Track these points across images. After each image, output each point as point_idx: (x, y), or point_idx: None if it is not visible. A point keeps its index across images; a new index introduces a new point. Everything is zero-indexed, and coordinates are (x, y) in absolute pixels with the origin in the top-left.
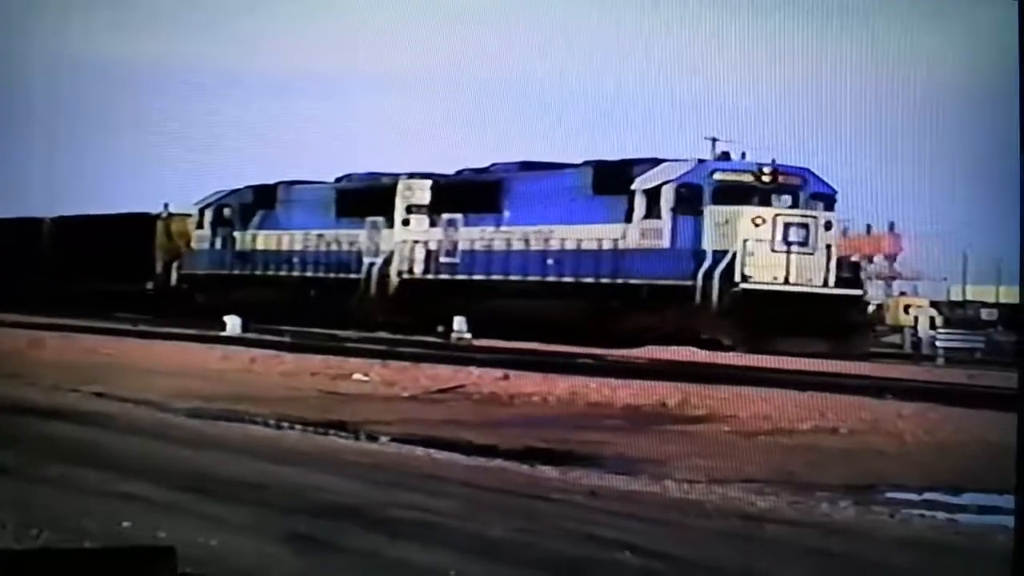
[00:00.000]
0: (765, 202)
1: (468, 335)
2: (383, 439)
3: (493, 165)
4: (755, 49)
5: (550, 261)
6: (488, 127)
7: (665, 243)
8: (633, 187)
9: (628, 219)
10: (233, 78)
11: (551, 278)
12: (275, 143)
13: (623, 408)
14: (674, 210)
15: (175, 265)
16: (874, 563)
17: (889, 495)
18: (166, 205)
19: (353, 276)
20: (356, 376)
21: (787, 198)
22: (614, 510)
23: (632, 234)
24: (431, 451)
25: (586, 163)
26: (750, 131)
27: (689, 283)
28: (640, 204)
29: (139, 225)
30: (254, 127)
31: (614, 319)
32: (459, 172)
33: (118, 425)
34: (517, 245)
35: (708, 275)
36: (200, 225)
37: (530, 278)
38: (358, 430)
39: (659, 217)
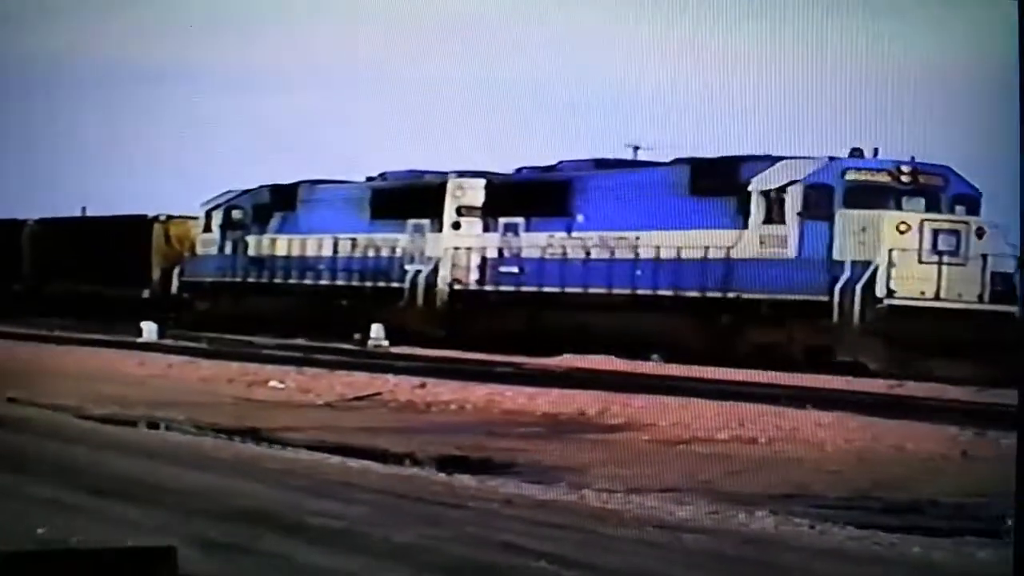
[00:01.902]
0: (900, 205)
1: (385, 342)
2: (298, 446)
3: (560, 163)
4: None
5: (639, 271)
6: (504, 126)
7: (791, 252)
8: (750, 188)
9: (742, 224)
10: (233, 76)
11: (643, 290)
12: (274, 142)
13: (541, 416)
14: (801, 214)
15: (176, 272)
16: (792, 573)
17: (808, 505)
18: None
19: (395, 285)
20: (272, 383)
21: (922, 200)
22: (530, 518)
23: (749, 241)
24: (346, 458)
25: (678, 160)
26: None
27: (823, 298)
28: (758, 207)
29: (134, 228)
30: (253, 126)
31: (725, 336)
32: (518, 170)
33: (35, 430)
34: (596, 253)
35: (847, 289)
36: (207, 228)
37: (616, 291)
38: (273, 437)
39: (783, 222)
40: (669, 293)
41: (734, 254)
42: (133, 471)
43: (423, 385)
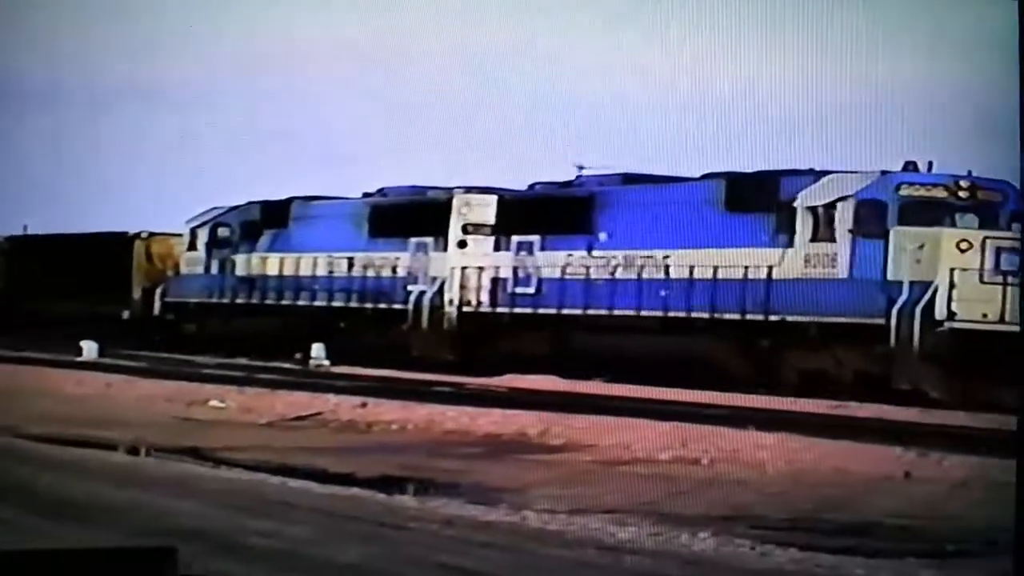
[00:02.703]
0: (955, 221)
1: (326, 362)
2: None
3: (579, 178)
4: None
5: (669, 292)
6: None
7: (841, 271)
8: (795, 204)
9: (785, 242)
10: (211, 91)
11: (674, 312)
12: (254, 158)
13: (483, 436)
14: (853, 231)
15: (158, 292)
16: None
17: (750, 526)
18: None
19: (397, 306)
20: (212, 402)
21: (976, 217)
22: (471, 539)
23: (794, 260)
24: (286, 478)
25: (711, 175)
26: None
27: (877, 321)
28: (804, 224)
29: (112, 246)
30: (233, 142)
31: (766, 361)
32: (531, 186)
33: None
34: (622, 273)
35: (904, 312)
36: (192, 246)
37: (645, 313)
38: (213, 456)
39: (832, 240)
40: (704, 315)
41: (777, 274)
42: (71, 490)
43: (364, 405)
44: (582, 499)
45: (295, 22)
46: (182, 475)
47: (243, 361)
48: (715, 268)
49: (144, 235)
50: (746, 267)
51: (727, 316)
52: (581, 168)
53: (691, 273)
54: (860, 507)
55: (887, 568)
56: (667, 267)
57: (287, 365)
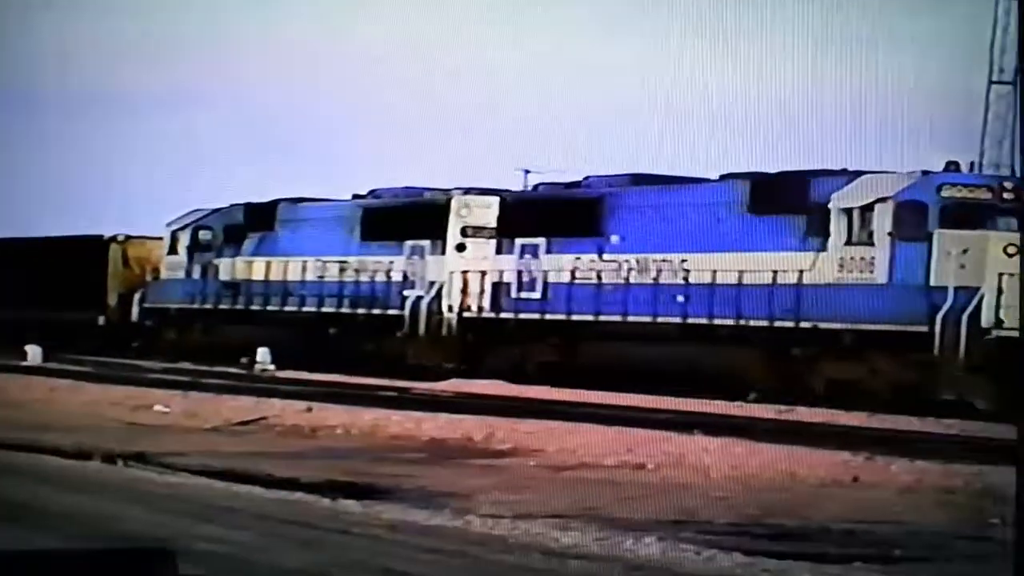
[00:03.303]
0: (996, 224)
1: (272, 366)
2: (184, 471)
3: (587, 179)
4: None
5: (688, 297)
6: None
7: (880, 277)
8: (829, 205)
9: (817, 246)
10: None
11: (695, 319)
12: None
13: (428, 441)
14: (892, 234)
15: (136, 297)
16: None
17: (696, 531)
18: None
19: (392, 312)
20: (157, 407)
21: (1010, 220)
22: (415, 544)
23: (827, 265)
24: (231, 483)
25: (732, 176)
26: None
27: (920, 329)
28: (839, 227)
29: (87, 249)
30: (217, 143)
31: (796, 370)
32: (535, 187)
33: None
34: (636, 278)
35: (949, 319)
36: (173, 250)
37: (661, 319)
38: (158, 461)
39: (870, 243)
40: (728, 322)
41: (808, 278)
42: (15, 495)
43: (309, 409)
44: (527, 504)
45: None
46: (127, 480)
47: (188, 366)
48: (740, 273)
49: (120, 238)
50: (774, 272)
51: (753, 323)
52: (527, 172)
53: (713, 278)
54: (807, 512)
55: (834, 573)
56: (686, 271)
57: (232, 370)
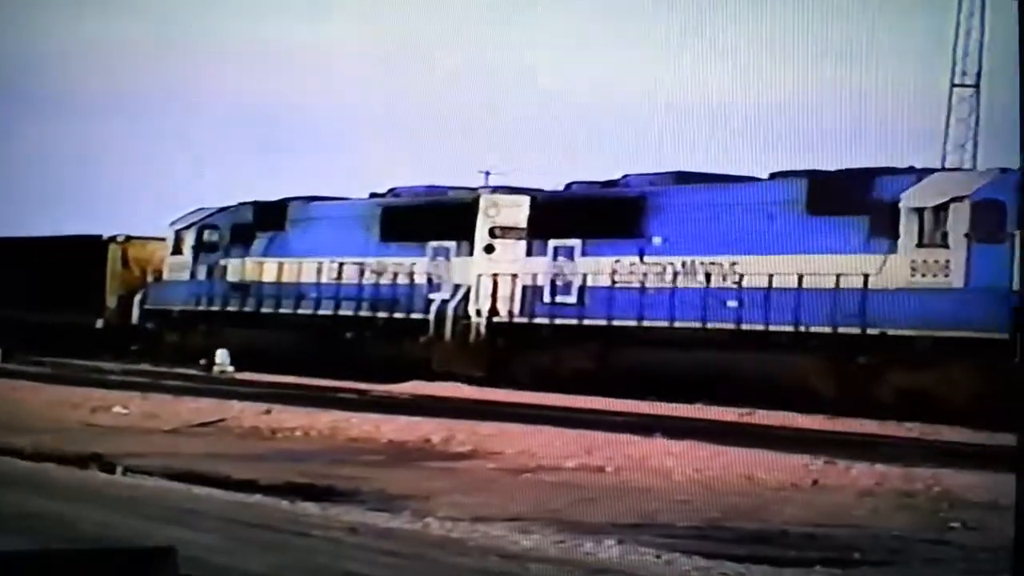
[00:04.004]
0: None
1: (231, 368)
2: (143, 472)
3: (625, 177)
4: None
5: (733, 302)
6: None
7: (956, 281)
8: (900, 205)
9: (884, 248)
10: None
11: (749, 325)
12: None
13: (387, 444)
14: (969, 236)
15: (137, 299)
16: None
17: (656, 534)
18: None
19: (415, 316)
20: (116, 409)
21: None
22: (374, 547)
23: (897, 267)
24: (191, 485)
25: (786, 174)
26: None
27: (1001, 336)
28: (909, 227)
29: (85, 250)
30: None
31: (862, 380)
32: (567, 186)
33: None
34: (684, 282)
35: None
36: (177, 250)
37: (711, 325)
38: (118, 463)
39: (944, 245)
40: (786, 328)
41: (875, 283)
42: None
43: (268, 411)
44: (486, 506)
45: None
46: (86, 481)
47: (147, 367)
48: (798, 276)
49: (120, 238)
50: (837, 275)
51: (814, 329)
52: (487, 174)
53: (769, 282)
54: (767, 515)
55: None
56: (737, 274)
57: (192, 371)
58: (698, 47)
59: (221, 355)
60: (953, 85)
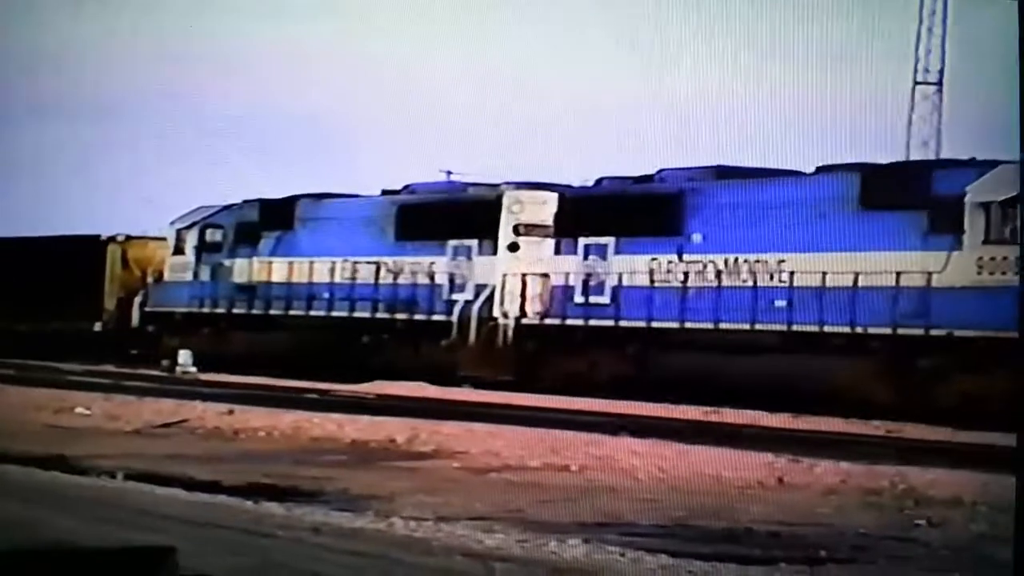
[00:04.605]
0: None
1: (193, 368)
2: (105, 474)
3: (660, 172)
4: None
5: (781, 302)
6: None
7: None
8: (965, 199)
9: (947, 244)
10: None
11: (801, 326)
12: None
13: (350, 444)
14: None
15: (137, 301)
16: None
17: (621, 533)
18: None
19: (436, 318)
20: (78, 410)
21: None
22: (338, 547)
23: (962, 265)
24: (154, 486)
25: (836, 167)
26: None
27: None
28: (975, 223)
29: (83, 250)
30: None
31: (924, 384)
32: (597, 181)
33: None
34: (728, 281)
35: None
36: (179, 250)
37: (760, 326)
38: (80, 464)
39: (1013, 241)
40: (842, 329)
41: (938, 281)
42: None
43: (231, 412)
44: (450, 506)
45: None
46: (48, 483)
47: (110, 368)
48: (853, 275)
49: (120, 238)
50: (897, 273)
51: (873, 330)
52: (449, 173)
53: (822, 280)
54: (733, 514)
55: (758, 574)
56: (787, 273)
57: (154, 372)
58: (657, 45)
59: (184, 355)
60: (916, 83)
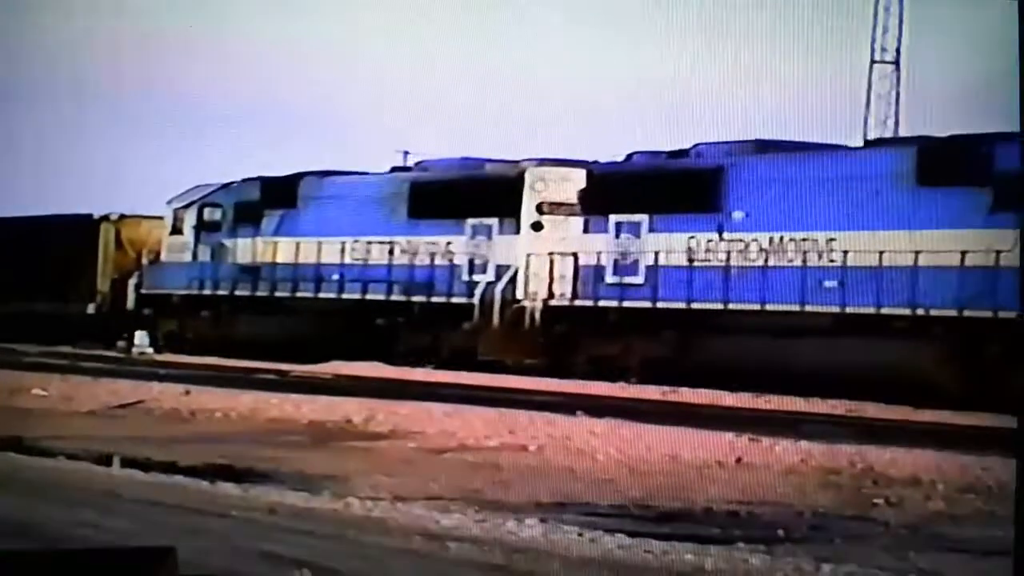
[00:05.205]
0: None
1: (150, 349)
2: (62, 455)
3: (697, 146)
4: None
5: (832, 283)
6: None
7: None
8: None
9: (1015, 222)
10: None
11: (856, 308)
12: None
13: (307, 424)
14: None
15: (132, 282)
16: None
17: (579, 513)
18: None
19: (456, 300)
20: (35, 391)
21: None
22: (294, 527)
23: None
24: (110, 468)
25: (889, 141)
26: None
27: None
28: None
29: (75, 230)
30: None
31: (993, 371)
32: (628, 157)
33: None
34: (774, 260)
35: None
36: (177, 230)
37: (811, 308)
38: (36, 446)
39: None
40: (902, 311)
41: (1007, 260)
42: None
43: (187, 393)
44: (407, 486)
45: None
46: (5, 466)
47: (67, 349)
48: (915, 253)
49: (114, 217)
50: (962, 252)
51: (939, 312)
52: (406, 153)
53: (879, 260)
54: (691, 493)
55: (716, 554)
56: (836, 252)
57: (110, 353)
58: (614, 26)
59: (140, 336)
60: (873, 61)
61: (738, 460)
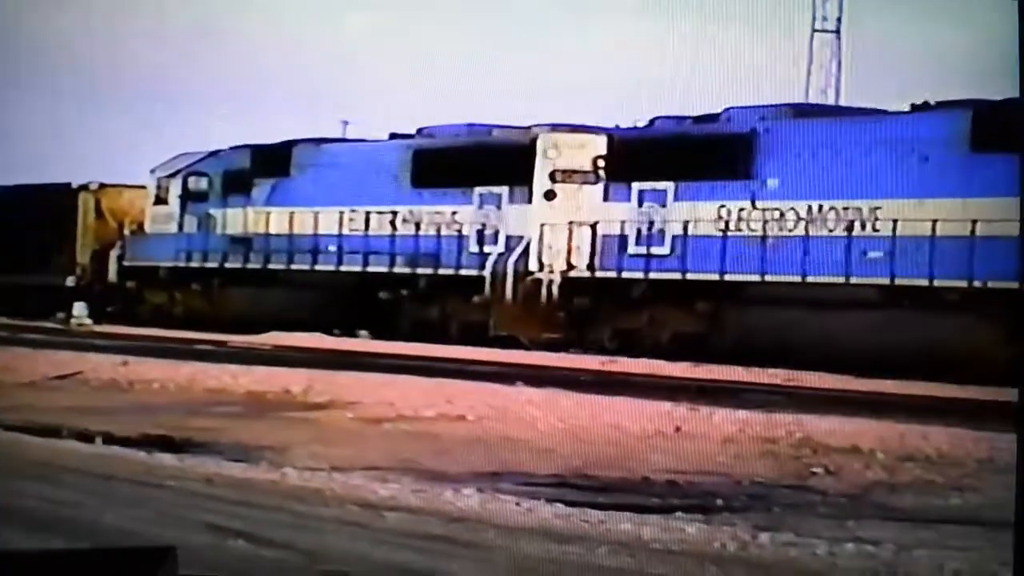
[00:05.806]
0: None
1: (88, 320)
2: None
3: (727, 110)
4: None
5: (877, 253)
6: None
7: None
8: None
9: None
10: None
11: (905, 280)
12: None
13: (245, 395)
14: None
15: (114, 254)
16: (494, 551)
17: (517, 483)
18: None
19: (465, 273)
20: None
21: None
22: (231, 497)
23: None
24: (49, 439)
25: (939, 104)
26: None
27: None
28: None
29: (53, 200)
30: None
31: None
32: (651, 122)
33: None
34: (813, 230)
35: None
36: (161, 200)
37: (856, 280)
38: None
39: None
40: (957, 284)
41: None
42: None
43: (125, 363)
44: (344, 456)
45: None
46: None
47: (4, 320)
48: (973, 223)
49: (93, 186)
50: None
51: (992, 285)
52: (346, 123)
53: (932, 230)
54: (630, 463)
55: (654, 523)
56: (882, 221)
57: (49, 324)
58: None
59: (79, 307)
60: (814, 30)
61: (677, 429)
